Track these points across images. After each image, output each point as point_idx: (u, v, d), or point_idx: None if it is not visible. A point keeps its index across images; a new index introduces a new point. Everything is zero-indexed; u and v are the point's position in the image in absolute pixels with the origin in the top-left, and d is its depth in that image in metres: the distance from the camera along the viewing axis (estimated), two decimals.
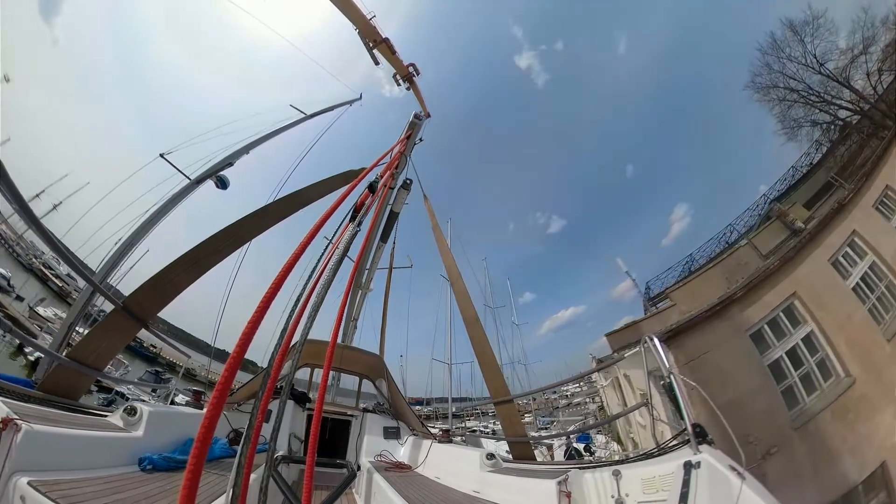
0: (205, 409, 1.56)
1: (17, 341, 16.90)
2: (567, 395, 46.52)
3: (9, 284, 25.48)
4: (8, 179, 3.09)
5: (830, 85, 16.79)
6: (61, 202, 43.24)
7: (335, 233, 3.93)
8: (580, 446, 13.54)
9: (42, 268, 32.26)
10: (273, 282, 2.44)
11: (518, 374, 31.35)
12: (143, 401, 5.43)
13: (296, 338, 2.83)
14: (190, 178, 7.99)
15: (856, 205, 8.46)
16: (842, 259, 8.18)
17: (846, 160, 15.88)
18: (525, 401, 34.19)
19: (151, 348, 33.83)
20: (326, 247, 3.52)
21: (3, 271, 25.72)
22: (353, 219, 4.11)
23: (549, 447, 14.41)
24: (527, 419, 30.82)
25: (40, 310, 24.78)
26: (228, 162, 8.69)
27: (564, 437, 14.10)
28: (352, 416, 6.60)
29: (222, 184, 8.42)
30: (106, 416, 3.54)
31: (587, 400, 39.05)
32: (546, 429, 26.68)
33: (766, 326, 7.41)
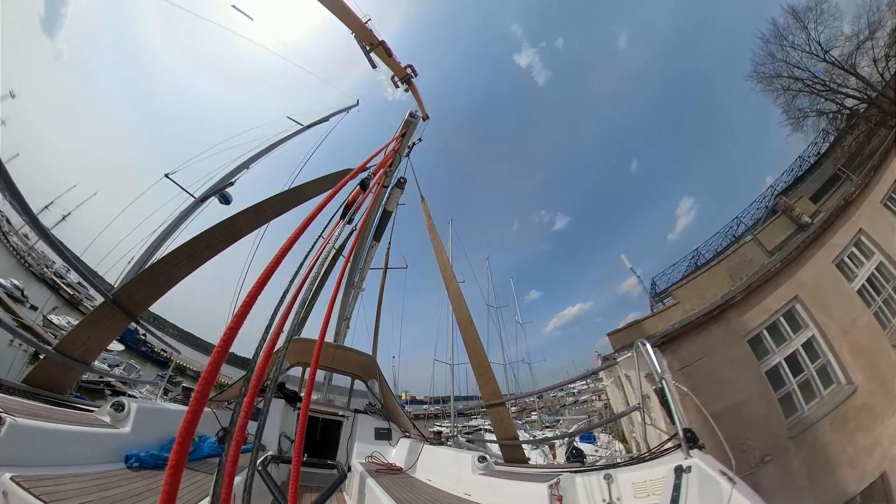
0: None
1: (33, 348, 17.19)
2: (574, 393, 46.21)
3: (22, 294, 26.02)
4: (17, 192, 3.14)
5: (836, 73, 16.33)
6: (70, 213, 44.11)
7: (324, 229, 3.93)
8: (584, 446, 13.37)
9: (53, 277, 32.89)
10: (259, 277, 2.42)
11: (519, 373, 31.10)
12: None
13: (284, 335, 2.84)
14: (195, 197, 8.20)
15: (863, 201, 8.04)
16: (847, 259, 7.77)
17: (854, 150, 15.52)
18: (531, 399, 34.01)
19: (162, 352, 34.27)
20: (315, 242, 3.52)
21: (16, 282, 26.29)
22: (343, 216, 4.11)
23: (552, 447, 14.30)
24: (533, 417, 30.70)
25: (53, 318, 25.22)
26: (229, 182, 8.95)
27: (566, 438, 13.95)
28: (343, 416, 6.57)
29: (225, 200, 8.70)
30: (93, 411, 3.51)
31: (593, 398, 38.68)
32: (551, 427, 26.55)
33: (765, 331, 7.14)
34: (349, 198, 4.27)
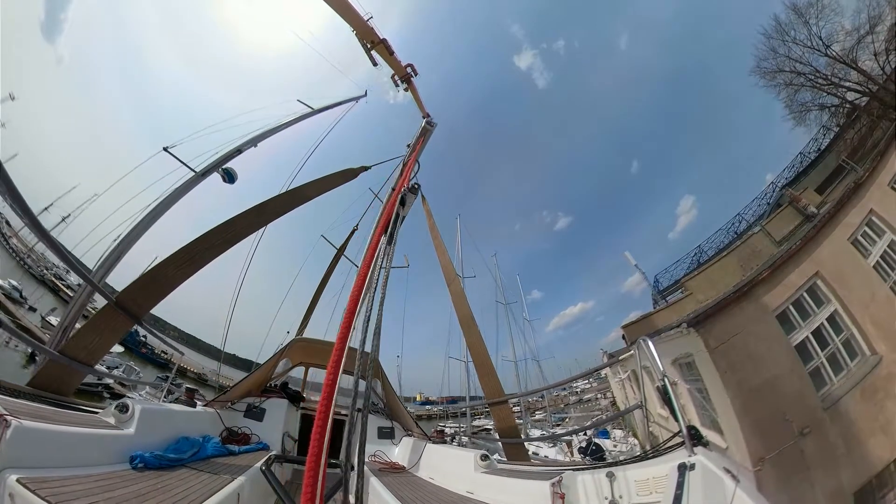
0: (198, 407, 1.52)
1: (30, 350, 17.11)
2: (577, 392, 46.16)
3: (21, 296, 25.91)
4: (17, 194, 3.07)
5: (837, 67, 16.41)
6: (70, 214, 43.86)
7: (376, 254, 3.70)
8: (600, 441, 13.40)
9: (53, 279, 32.78)
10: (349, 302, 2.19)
11: (529, 370, 30.99)
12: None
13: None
14: (195, 171, 7.83)
15: (872, 183, 8.45)
16: (861, 238, 8.20)
17: (856, 143, 15.55)
18: (536, 398, 34.00)
19: (162, 354, 34.18)
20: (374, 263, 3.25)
21: (14, 283, 26.17)
22: (389, 240, 3.89)
23: (569, 443, 14.33)
24: (538, 416, 30.69)
25: (52, 319, 25.11)
26: (238, 149, 8.43)
27: (583, 434, 13.98)
28: (345, 415, 6.49)
29: (229, 177, 8.15)
30: (97, 412, 3.50)
31: (598, 396, 38.66)
32: (559, 425, 26.56)
33: (790, 307, 7.44)
34: (387, 216, 4.05)
